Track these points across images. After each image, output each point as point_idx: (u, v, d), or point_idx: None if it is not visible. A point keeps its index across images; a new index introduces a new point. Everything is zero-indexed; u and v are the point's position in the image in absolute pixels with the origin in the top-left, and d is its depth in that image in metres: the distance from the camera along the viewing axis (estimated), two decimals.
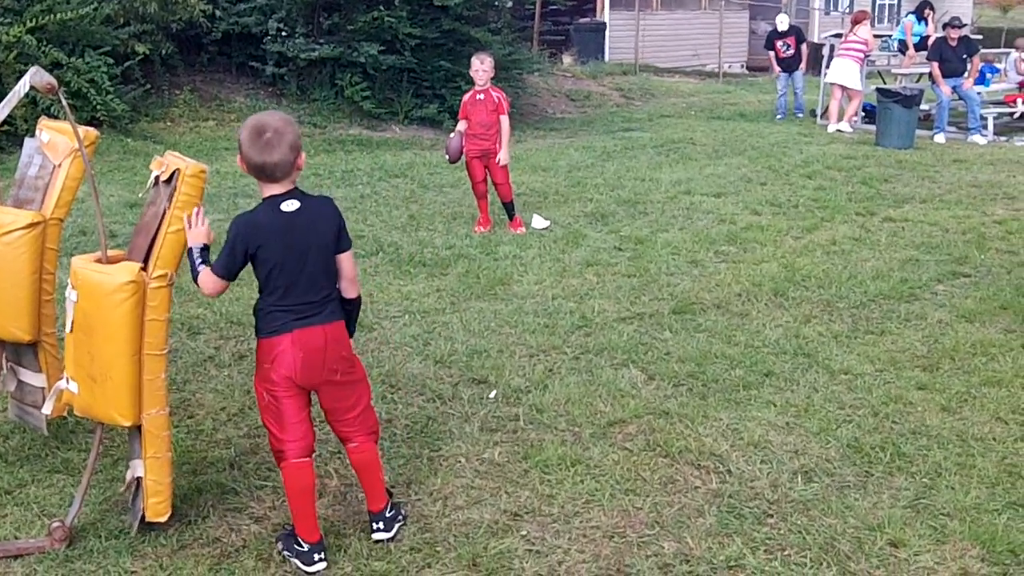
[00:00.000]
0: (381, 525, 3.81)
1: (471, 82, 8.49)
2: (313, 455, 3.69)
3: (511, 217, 8.66)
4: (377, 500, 3.82)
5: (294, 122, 3.53)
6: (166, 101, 13.77)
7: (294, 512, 3.64)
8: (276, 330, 3.53)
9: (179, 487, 3.97)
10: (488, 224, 8.61)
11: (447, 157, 8.49)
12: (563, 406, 4.98)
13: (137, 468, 3.69)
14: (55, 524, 3.70)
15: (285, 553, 3.66)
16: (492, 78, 8.43)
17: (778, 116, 17.35)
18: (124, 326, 3.46)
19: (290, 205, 3.49)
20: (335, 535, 3.82)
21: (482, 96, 8.37)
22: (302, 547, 3.63)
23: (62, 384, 3.70)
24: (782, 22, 17.72)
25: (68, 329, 3.59)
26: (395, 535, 3.82)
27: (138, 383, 3.54)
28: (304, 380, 3.56)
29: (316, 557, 3.61)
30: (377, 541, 3.79)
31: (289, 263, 3.49)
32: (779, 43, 17.27)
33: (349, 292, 3.69)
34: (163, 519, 3.71)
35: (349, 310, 3.72)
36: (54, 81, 3.60)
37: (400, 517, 3.90)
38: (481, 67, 8.30)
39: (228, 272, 3.55)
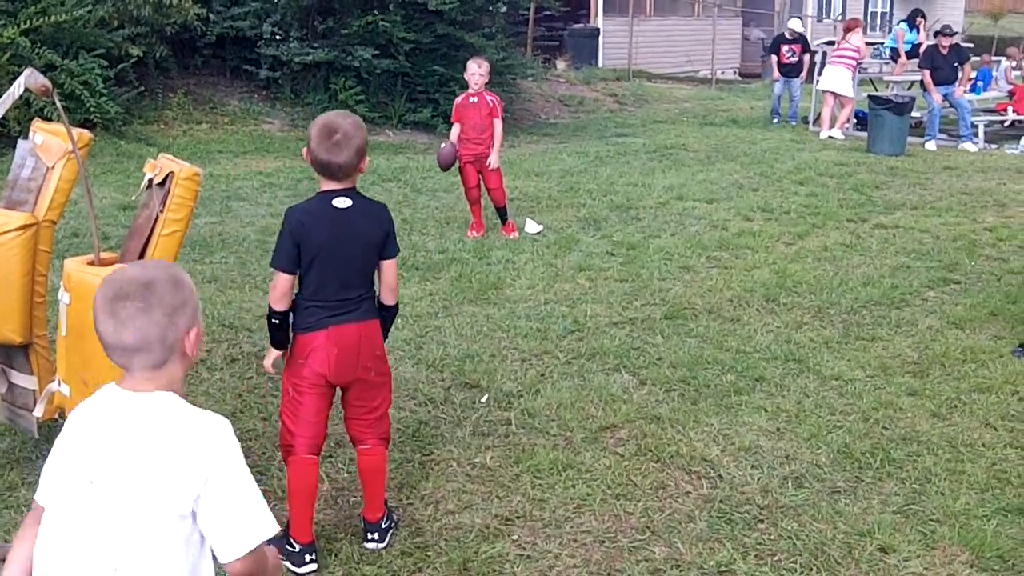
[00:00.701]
0: (376, 536, 3.83)
1: (465, 86, 8.50)
2: (319, 456, 3.73)
3: (504, 221, 8.67)
4: (375, 510, 3.84)
5: (363, 126, 3.61)
6: (160, 104, 13.76)
7: (291, 510, 3.68)
8: (312, 326, 3.58)
9: None
10: (481, 228, 8.62)
11: (439, 164, 8.49)
12: (555, 411, 4.99)
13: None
14: None
15: (283, 550, 3.65)
16: (487, 83, 8.45)
17: (774, 120, 17.41)
18: None
19: (342, 202, 3.56)
20: (326, 539, 3.83)
21: (476, 99, 8.39)
22: (293, 547, 3.64)
23: (54, 386, 3.70)
24: (795, 27, 17.79)
25: (61, 332, 3.60)
26: (387, 544, 3.84)
27: None
28: (336, 377, 3.62)
29: (307, 558, 3.64)
30: (371, 549, 3.81)
31: (329, 257, 3.54)
32: (785, 48, 17.30)
33: (388, 299, 3.76)
34: None
35: (385, 316, 3.79)
36: (48, 83, 3.60)
37: (393, 525, 3.92)
38: (478, 71, 8.32)
39: (288, 262, 3.55)
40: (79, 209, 8.24)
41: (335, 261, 3.55)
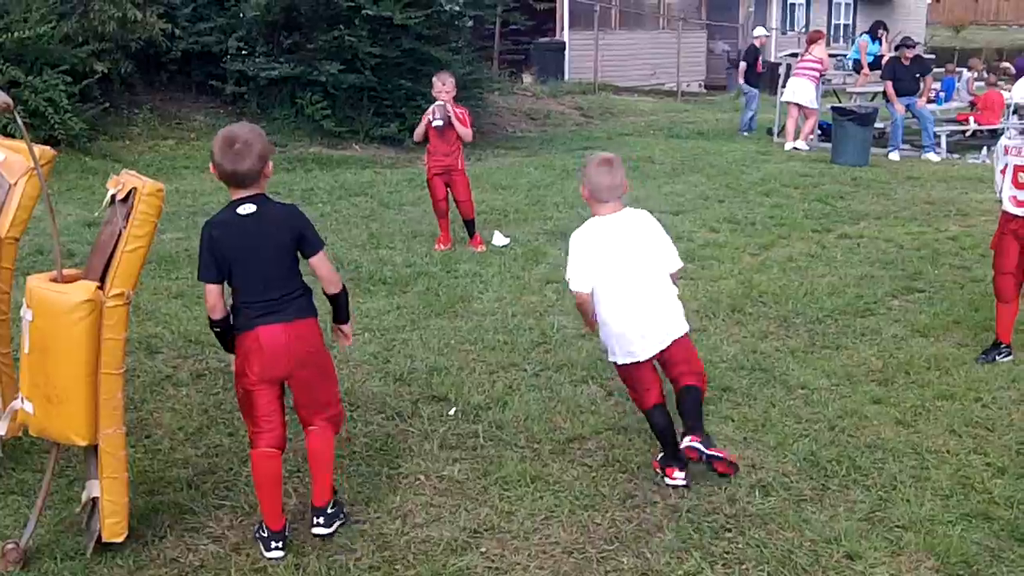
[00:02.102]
0: (321, 520, 3.94)
1: (431, 100, 8.52)
2: (283, 449, 3.87)
3: (471, 235, 8.69)
4: (322, 495, 3.94)
5: (263, 133, 3.78)
6: (125, 120, 13.68)
7: (259, 498, 3.87)
8: (242, 327, 3.78)
9: (136, 507, 3.94)
10: (448, 242, 8.62)
11: (436, 121, 8.35)
12: (523, 423, 5.00)
13: (93, 488, 3.66)
14: (9, 546, 3.66)
15: (256, 535, 3.90)
16: (454, 97, 8.47)
17: (743, 132, 17.59)
18: (80, 345, 3.45)
19: (246, 209, 3.72)
20: (295, 554, 3.81)
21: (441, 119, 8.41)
22: (264, 533, 3.85)
23: (17, 404, 3.67)
24: (762, 35, 18.05)
25: (24, 349, 3.57)
26: (333, 532, 3.95)
27: (95, 403, 3.52)
28: (270, 374, 3.77)
29: (273, 545, 3.81)
30: (316, 535, 3.92)
31: (242, 262, 3.72)
32: (761, 59, 17.49)
33: (329, 290, 3.94)
34: (120, 539, 3.68)
35: (334, 303, 4.00)
36: (9, 100, 3.58)
37: (341, 515, 4.02)
38: (444, 88, 8.37)
39: (209, 273, 3.74)
40: (43, 226, 8.16)
41: (249, 265, 3.73)
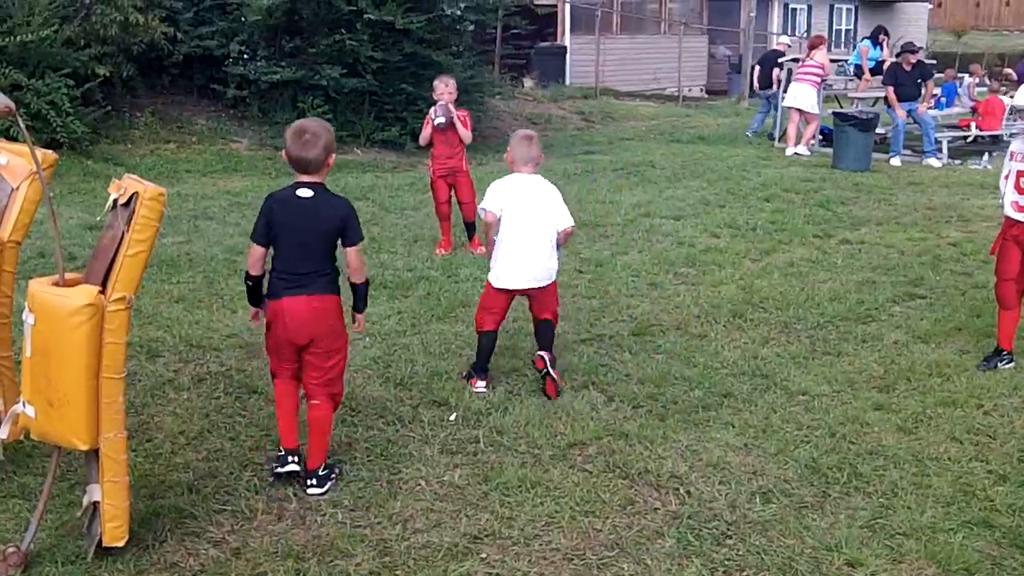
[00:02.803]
0: (314, 482, 4.34)
1: (432, 104, 8.55)
2: (298, 383, 4.41)
3: (471, 237, 8.70)
4: (315, 459, 4.37)
5: (331, 129, 4.33)
6: (127, 123, 13.68)
7: (278, 423, 4.42)
8: (272, 295, 4.27)
9: (137, 511, 3.93)
10: (450, 247, 8.63)
11: (437, 119, 8.40)
12: (523, 428, 5.00)
13: (94, 492, 3.66)
14: (10, 549, 3.66)
15: (271, 465, 4.44)
16: (455, 101, 8.48)
17: (750, 133, 17.66)
18: (82, 349, 3.45)
19: (304, 192, 4.24)
20: (295, 559, 3.81)
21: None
22: (280, 452, 4.40)
23: (18, 408, 3.67)
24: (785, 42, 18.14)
25: (26, 353, 3.57)
26: (326, 491, 4.32)
27: (96, 407, 3.52)
28: (292, 338, 4.26)
29: (289, 459, 4.34)
30: (310, 495, 4.29)
31: (287, 237, 4.23)
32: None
33: (355, 279, 4.44)
34: (120, 544, 3.68)
35: (356, 292, 4.50)
36: (12, 104, 3.58)
37: (333, 476, 4.42)
38: (446, 90, 8.44)
39: (259, 237, 4.29)
40: (45, 230, 8.17)
41: (293, 241, 4.22)
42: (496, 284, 5.53)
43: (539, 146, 5.66)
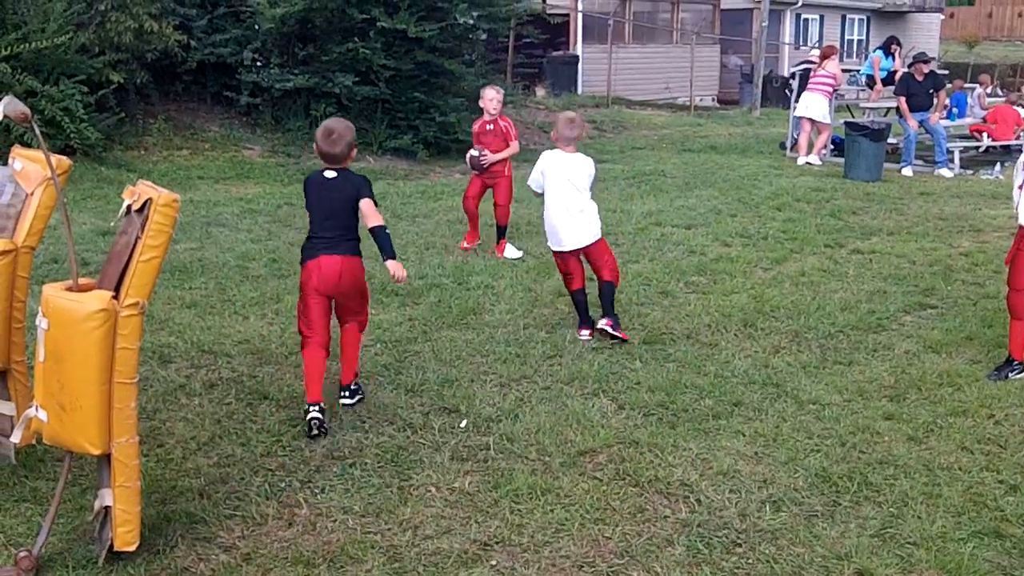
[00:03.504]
0: (347, 395, 5.37)
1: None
2: (327, 349, 5.15)
3: (499, 240, 8.95)
4: (347, 375, 5.39)
5: (352, 128, 5.28)
6: (140, 130, 13.75)
7: (306, 383, 5.11)
8: (309, 255, 5.16)
9: (148, 516, 3.95)
10: (476, 239, 8.93)
11: (473, 167, 8.97)
12: (533, 435, 5.00)
13: (106, 497, 3.68)
14: (22, 553, 3.67)
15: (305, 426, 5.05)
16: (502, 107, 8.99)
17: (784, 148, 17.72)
18: (95, 354, 3.46)
19: (330, 174, 5.24)
20: (305, 565, 3.82)
21: (492, 126, 8.91)
22: (305, 407, 5.07)
23: (31, 412, 3.69)
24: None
25: (39, 358, 3.59)
26: (355, 403, 5.33)
27: (108, 411, 3.53)
28: (324, 289, 5.11)
29: (311, 409, 5.04)
30: (343, 405, 5.31)
31: (318, 208, 5.25)
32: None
33: (370, 223, 5.18)
34: (131, 548, 3.69)
35: (376, 238, 5.21)
36: (27, 111, 3.61)
37: (360, 393, 5.41)
38: (496, 96, 8.92)
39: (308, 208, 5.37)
40: (59, 235, 8.23)
41: (323, 211, 5.21)
42: (555, 248, 6.69)
43: (584, 126, 6.85)
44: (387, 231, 5.26)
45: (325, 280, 5.09)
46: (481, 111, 8.95)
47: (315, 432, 4.93)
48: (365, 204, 5.18)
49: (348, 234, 5.20)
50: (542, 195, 6.70)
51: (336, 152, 5.18)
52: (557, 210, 6.56)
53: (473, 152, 8.88)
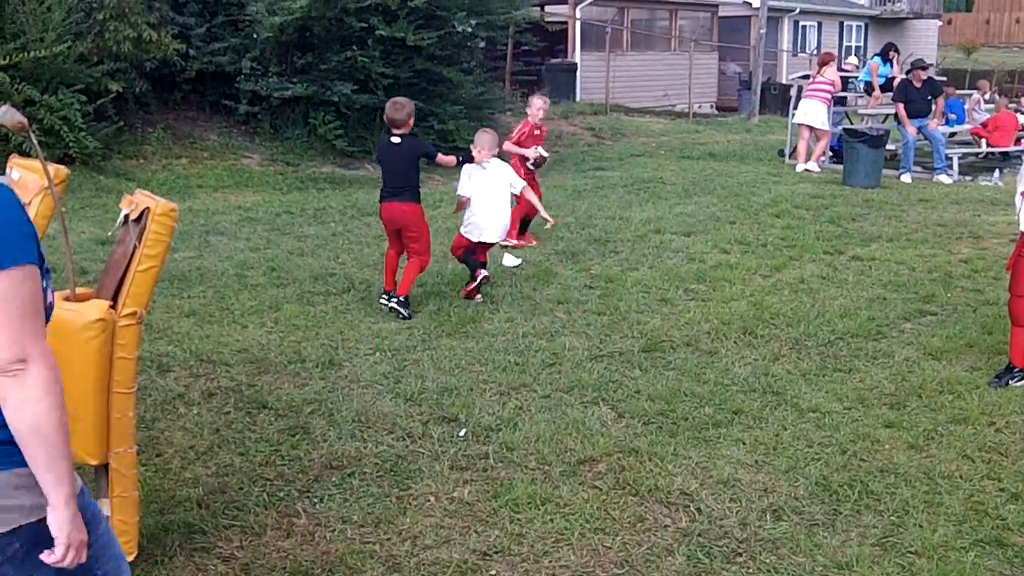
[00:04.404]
0: (393, 300, 7.14)
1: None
2: (398, 256, 7.39)
3: (523, 233, 9.72)
4: (402, 289, 7.12)
5: (411, 104, 7.22)
6: (139, 139, 13.75)
7: (386, 277, 7.38)
8: (380, 200, 7.25)
9: (146, 526, 3.94)
10: (519, 236, 9.52)
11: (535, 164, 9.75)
12: (533, 444, 4.99)
13: (104, 507, 3.66)
14: None
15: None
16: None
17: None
18: (92, 364, 3.45)
19: (396, 139, 7.13)
20: (303, 575, 3.80)
21: (538, 131, 9.82)
22: (384, 292, 7.35)
23: None
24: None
25: None
26: (392, 308, 7.11)
27: (106, 421, 3.52)
28: (391, 228, 7.34)
29: (390, 295, 7.20)
30: (390, 309, 7.12)
31: (386, 164, 7.24)
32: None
33: (446, 163, 7.67)
34: (129, 559, 3.67)
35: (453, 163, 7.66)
36: (24, 120, 3.59)
37: (403, 309, 7.07)
38: (544, 106, 9.95)
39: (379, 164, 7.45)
40: (57, 244, 8.21)
41: (389, 167, 7.21)
42: (474, 239, 7.68)
43: (493, 135, 7.81)
44: (461, 159, 7.53)
45: (387, 220, 7.24)
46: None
47: (390, 308, 7.10)
48: (439, 157, 7.40)
49: (408, 185, 7.14)
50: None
51: (398, 117, 7.00)
52: (483, 210, 7.65)
53: (542, 152, 9.62)
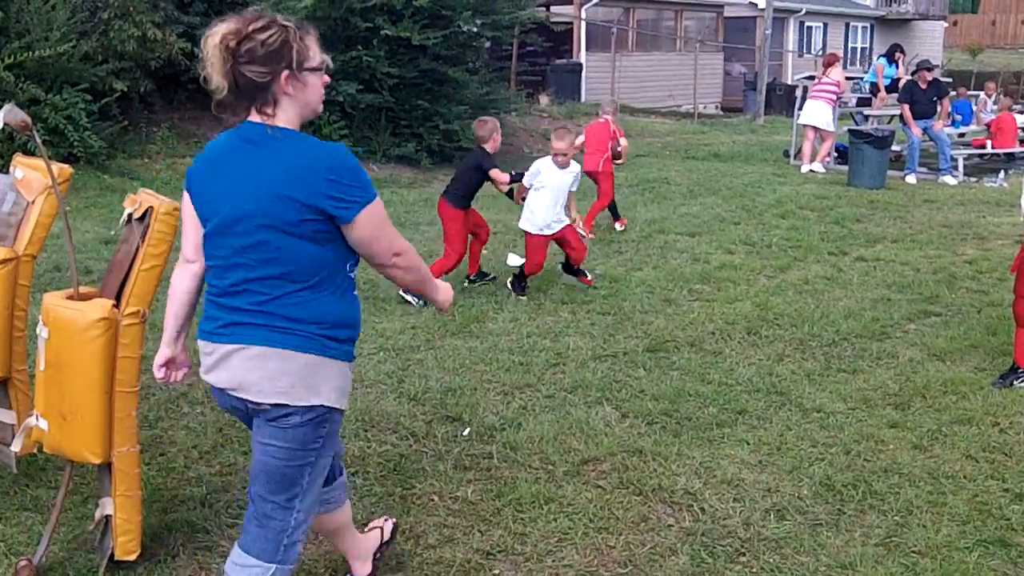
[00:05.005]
0: (475, 279, 8.05)
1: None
2: (475, 248, 8.08)
3: (617, 217, 10.76)
4: (471, 266, 8.08)
5: (494, 122, 7.83)
6: (144, 138, 13.77)
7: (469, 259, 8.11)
8: (441, 194, 8.02)
9: (149, 525, 3.94)
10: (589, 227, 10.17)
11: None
12: (537, 444, 4.98)
13: (106, 506, 3.66)
14: (22, 562, 3.66)
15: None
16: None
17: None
18: (95, 363, 3.45)
19: (474, 149, 7.91)
20: (306, 574, 3.80)
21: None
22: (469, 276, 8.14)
23: (32, 421, 3.68)
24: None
25: (40, 367, 3.58)
26: (475, 283, 8.08)
27: (109, 420, 3.52)
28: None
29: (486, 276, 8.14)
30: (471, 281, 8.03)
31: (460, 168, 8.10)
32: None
33: (503, 189, 8.05)
34: (132, 558, 3.68)
35: (514, 178, 7.96)
36: (28, 119, 3.60)
37: (484, 277, 8.14)
38: (615, 110, 11.31)
39: None
40: (62, 243, 8.22)
41: (458, 172, 8.03)
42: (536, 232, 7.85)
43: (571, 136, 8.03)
44: (511, 186, 7.96)
45: (439, 212, 7.91)
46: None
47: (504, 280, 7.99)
48: (493, 174, 7.67)
49: (462, 190, 7.74)
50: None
51: (479, 133, 7.71)
52: (539, 203, 7.79)
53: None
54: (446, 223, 7.74)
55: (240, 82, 2.84)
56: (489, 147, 7.66)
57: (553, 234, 7.79)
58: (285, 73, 2.86)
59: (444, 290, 3.37)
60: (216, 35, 2.81)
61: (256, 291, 2.92)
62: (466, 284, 7.96)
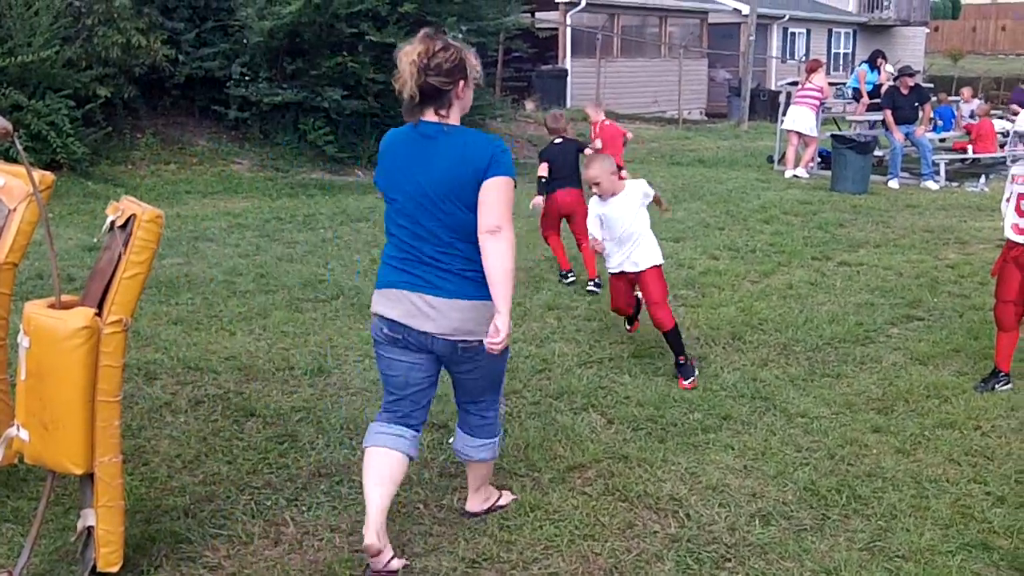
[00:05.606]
0: (592, 284, 8.19)
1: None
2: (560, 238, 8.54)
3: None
4: (592, 273, 8.20)
5: (565, 116, 8.88)
6: (128, 144, 13.72)
7: (588, 263, 8.26)
8: (551, 190, 8.31)
9: (131, 536, 3.91)
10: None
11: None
12: (522, 451, 4.98)
13: (89, 517, 3.64)
14: (3, 574, 3.63)
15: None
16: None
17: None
18: (77, 372, 3.43)
19: (557, 141, 8.48)
20: None
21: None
22: (562, 272, 8.54)
23: (12, 432, 3.65)
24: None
25: (21, 376, 3.55)
26: (595, 293, 8.09)
27: (91, 430, 3.50)
28: (560, 212, 8.45)
29: (568, 274, 8.51)
30: (588, 291, 8.13)
31: (554, 160, 8.34)
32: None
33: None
34: (114, 569, 3.65)
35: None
36: (9, 126, 3.58)
37: (599, 286, 8.11)
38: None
39: (543, 160, 8.48)
40: (43, 250, 8.17)
41: (556, 163, 8.34)
42: (611, 270, 6.62)
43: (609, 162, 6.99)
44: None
45: (562, 205, 8.27)
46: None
47: (588, 291, 8.09)
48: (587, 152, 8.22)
49: (574, 175, 8.23)
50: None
51: (555, 126, 8.50)
52: (610, 242, 6.55)
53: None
54: (580, 207, 7.96)
55: (426, 90, 3.61)
56: (569, 134, 8.69)
57: (629, 274, 6.42)
58: (461, 82, 3.68)
59: (508, 309, 3.56)
60: (411, 54, 3.57)
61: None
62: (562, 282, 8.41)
